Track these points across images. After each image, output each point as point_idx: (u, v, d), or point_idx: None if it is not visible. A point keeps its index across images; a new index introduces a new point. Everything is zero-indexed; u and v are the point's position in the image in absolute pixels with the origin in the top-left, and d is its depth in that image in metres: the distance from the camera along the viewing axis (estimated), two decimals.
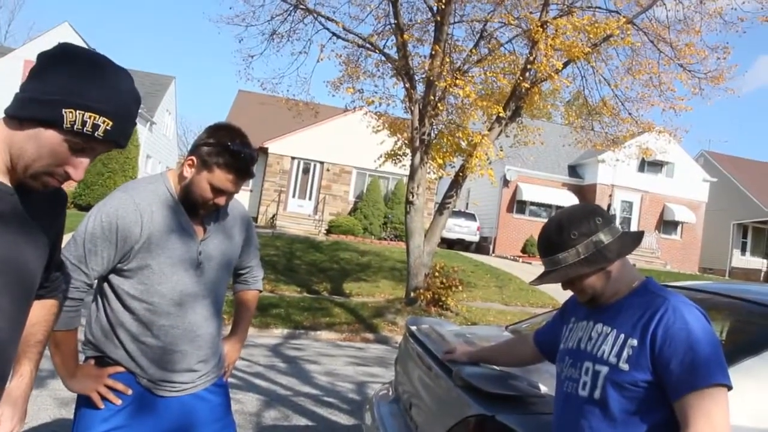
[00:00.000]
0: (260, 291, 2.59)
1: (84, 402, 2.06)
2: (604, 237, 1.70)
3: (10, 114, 1.22)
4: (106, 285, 2.06)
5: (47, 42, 24.80)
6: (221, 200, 2.04)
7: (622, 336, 1.66)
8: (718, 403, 1.53)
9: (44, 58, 1.24)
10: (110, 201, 2.00)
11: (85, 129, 1.21)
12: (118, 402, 2.02)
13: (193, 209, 2.06)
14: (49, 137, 1.21)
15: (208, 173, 1.99)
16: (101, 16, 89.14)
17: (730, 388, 1.55)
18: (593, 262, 1.69)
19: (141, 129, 25.72)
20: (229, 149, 1.96)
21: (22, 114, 1.21)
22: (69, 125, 1.20)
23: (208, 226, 2.15)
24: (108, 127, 1.24)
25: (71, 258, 1.93)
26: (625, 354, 1.63)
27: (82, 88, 1.21)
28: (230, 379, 5.59)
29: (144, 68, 46.49)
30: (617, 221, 26.67)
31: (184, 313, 2.09)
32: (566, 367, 1.81)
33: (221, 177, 1.99)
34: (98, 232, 1.94)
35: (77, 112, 1.20)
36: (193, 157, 2.01)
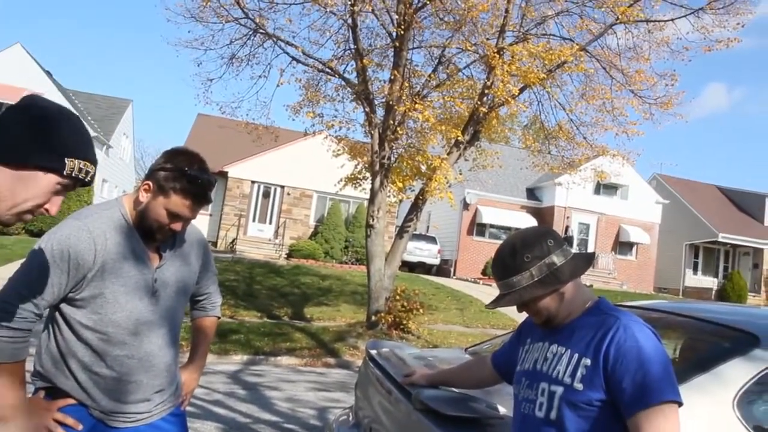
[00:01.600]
0: (219, 317, 2.55)
1: None
2: (556, 259, 1.73)
3: (5, 158, 1.33)
4: (57, 314, 1.99)
5: None
6: (177, 226, 2.00)
7: (576, 356, 1.67)
8: (669, 420, 1.55)
9: (33, 112, 1.41)
10: (62, 228, 1.94)
11: (80, 175, 1.43)
12: None
13: (149, 235, 2.02)
14: (48, 181, 1.38)
15: (165, 198, 1.96)
16: (54, 37, 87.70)
17: (680, 404, 1.57)
18: (547, 284, 1.71)
19: (97, 153, 25.12)
20: (187, 174, 1.94)
21: (27, 160, 1.35)
22: (69, 171, 1.40)
23: (163, 253, 2.11)
24: (93, 172, 1.48)
25: (19, 288, 1.86)
26: (579, 374, 1.64)
27: (77, 141, 1.45)
28: (188, 408, 5.47)
29: (101, 91, 45.87)
30: (575, 243, 27.16)
31: (140, 342, 2.04)
32: (523, 389, 1.82)
33: (178, 202, 1.96)
34: (49, 260, 1.88)
35: (76, 161, 1.41)
36: (150, 182, 1.98)
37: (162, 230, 2.00)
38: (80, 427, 1.96)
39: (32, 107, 1.42)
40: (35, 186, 1.37)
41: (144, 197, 1.99)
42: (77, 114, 1.53)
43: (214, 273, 2.45)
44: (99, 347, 1.97)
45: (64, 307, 1.97)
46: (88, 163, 1.45)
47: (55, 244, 1.90)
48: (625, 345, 1.59)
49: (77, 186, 1.47)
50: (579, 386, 1.63)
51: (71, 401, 1.99)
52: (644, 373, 1.56)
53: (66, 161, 1.39)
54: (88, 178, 1.46)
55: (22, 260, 1.96)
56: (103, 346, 1.97)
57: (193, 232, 2.27)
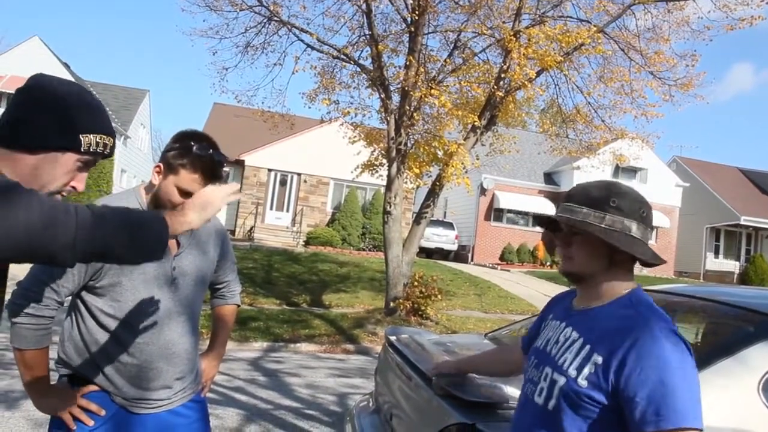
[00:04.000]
0: (238, 305, 2.57)
1: (56, 424, 2.01)
2: (635, 228, 1.55)
3: (23, 144, 1.34)
4: (79, 302, 2.02)
5: (17, 56, 24.50)
6: None
7: (588, 347, 1.50)
8: None
9: (25, 90, 1.40)
10: None
11: (98, 149, 1.43)
12: (91, 423, 1.98)
13: None
14: (67, 159, 1.39)
15: (174, 176, 1.98)
16: (72, 30, 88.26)
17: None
18: (609, 236, 1.52)
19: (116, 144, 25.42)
20: (192, 149, 1.96)
21: (46, 144, 1.36)
22: (86, 148, 1.40)
23: (181, 241, 2.12)
24: (112, 144, 1.48)
25: (41, 275, 1.90)
26: (586, 370, 1.47)
27: (88, 116, 1.42)
28: (209, 395, 5.54)
29: (118, 82, 46.20)
30: None
31: (160, 330, 2.06)
32: (530, 368, 1.68)
33: (186, 178, 1.97)
34: None
35: (91, 136, 1.41)
36: (160, 164, 2.02)
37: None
38: (103, 412, 1.99)
39: (37, 88, 1.40)
40: (57, 167, 1.39)
41: (156, 179, 2.03)
42: (87, 89, 1.53)
43: (232, 261, 2.46)
44: (120, 335, 2.00)
45: (85, 295, 2.00)
46: (105, 136, 1.45)
47: None
48: (649, 356, 1.39)
49: (99, 159, 1.48)
50: (583, 383, 1.46)
51: (94, 388, 2.02)
52: (665, 391, 1.36)
53: (81, 138, 1.39)
54: (107, 151, 1.47)
55: None
56: (123, 333, 2.00)
57: (211, 221, 2.25)
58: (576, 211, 1.57)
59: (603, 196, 1.56)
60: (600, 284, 1.58)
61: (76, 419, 1.98)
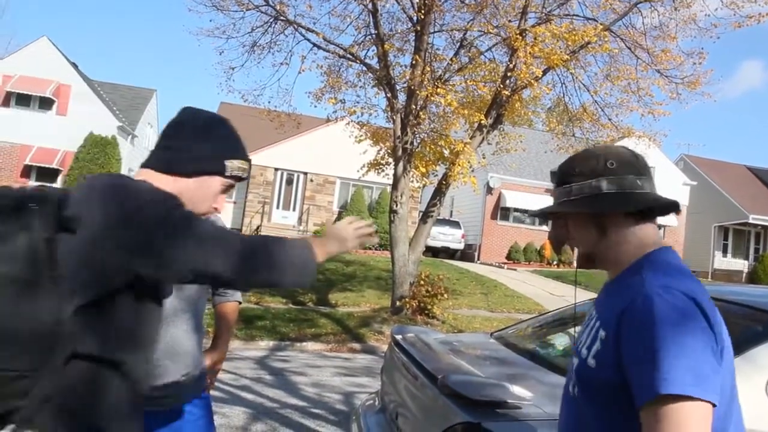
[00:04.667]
0: (240, 303, 2.59)
1: None
2: (605, 184, 1.41)
3: (181, 171, 1.54)
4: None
5: (26, 56, 24.61)
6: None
7: (598, 324, 1.37)
8: (667, 422, 1.13)
9: (181, 122, 1.59)
10: None
11: (239, 173, 1.61)
12: None
13: None
14: (215, 183, 1.58)
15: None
16: (80, 30, 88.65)
17: (694, 399, 1.13)
18: (577, 206, 1.43)
19: (122, 142, 25.53)
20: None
21: (201, 169, 1.55)
22: (230, 172, 1.58)
23: None
24: (248, 168, 1.63)
25: None
26: (594, 348, 1.33)
27: (232, 144, 1.61)
28: (216, 393, 5.52)
29: (125, 81, 46.36)
30: None
31: (165, 329, 2.06)
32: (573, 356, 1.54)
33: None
34: None
35: (233, 162, 1.58)
36: None
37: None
38: None
39: (190, 120, 1.59)
40: (207, 190, 1.58)
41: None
42: (226, 119, 1.68)
43: None
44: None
45: None
46: (244, 161, 1.62)
47: None
48: (635, 317, 1.23)
49: (236, 183, 1.65)
50: (592, 362, 1.32)
51: None
52: (646, 357, 1.17)
53: (226, 163, 1.57)
54: (245, 175, 1.63)
55: None
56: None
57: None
58: (554, 199, 1.52)
59: (566, 170, 1.48)
60: (608, 257, 1.45)
61: None
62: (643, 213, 1.45)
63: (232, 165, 1.58)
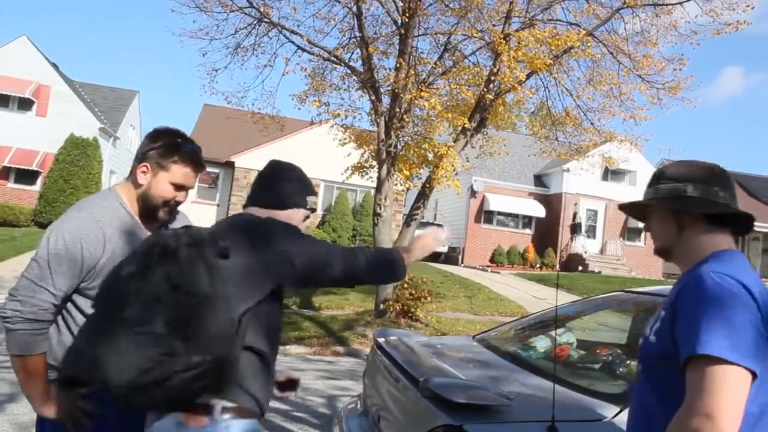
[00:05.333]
0: None
1: (45, 426, 2.03)
2: (691, 189, 1.61)
3: (279, 206, 2.09)
4: (70, 306, 2.03)
5: (4, 55, 24.28)
6: (182, 196, 2.17)
7: (662, 311, 1.54)
8: (709, 380, 1.29)
9: (273, 172, 2.19)
10: (70, 220, 2.01)
11: (313, 206, 2.19)
12: (91, 424, 2.00)
13: (153, 214, 2.14)
14: (300, 214, 2.14)
15: (166, 173, 2.11)
16: (60, 29, 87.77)
17: (743, 368, 1.29)
18: (659, 201, 1.65)
19: (104, 144, 25.28)
20: (180, 146, 2.13)
21: (294, 203, 2.13)
22: (309, 205, 2.16)
23: None
24: (316, 202, 2.25)
25: (35, 280, 1.92)
26: (656, 326, 1.52)
27: (308, 185, 2.19)
28: None
29: (107, 83, 45.90)
30: (583, 229, 27.03)
31: None
32: None
33: (179, 173, 2.12)
34: (63, 252, 1.94)
35: (310, 198, 2.18)
36: (146, 164, 2.11)
37: (167, 205, 2.15)
38: (103, 411, 1.99)
39: (279, 170, 2.18)
40: (297, 219, 2.11)
41: (144, 179, 2.11)
42: (298, 167, 2.27)
43: None
44: None
45: (76, 298, 2.02)
46: (314, 198, 2.21)
47: (67, 235, 1.96)
48: (687, 294, 1.44)
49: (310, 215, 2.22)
50: (653, 339, 1.51)
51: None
52: (691, 323, 1.36)
53: (307, 199, 2.16)
54: (315, 207, 2.24)
55: (32, 252, 2.00)
56: None
57: (184, 220, 2.37)
58: (644, 196, 1.72)
59: (659, 174, 1.69)
60: (682, 253, 1.65)
61: (74, 422, 2.01)
62: (720, 221, 1.62)
63: (310, 199, 2.17)
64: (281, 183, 2.13)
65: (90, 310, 1.96)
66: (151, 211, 2.14)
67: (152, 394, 1.62)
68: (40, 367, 1.96)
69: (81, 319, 2.00)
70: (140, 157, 2.13)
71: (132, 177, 2.14)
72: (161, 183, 2.10)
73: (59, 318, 2.05)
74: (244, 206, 2.12)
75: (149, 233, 2.10)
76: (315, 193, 2.22)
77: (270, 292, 1.84)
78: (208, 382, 1.68)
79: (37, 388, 1.97)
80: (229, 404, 1.79)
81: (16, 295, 1.91)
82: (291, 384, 2.28)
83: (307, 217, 2.18)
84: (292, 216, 2.09)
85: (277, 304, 1.94)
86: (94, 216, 2.02)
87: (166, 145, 2.12)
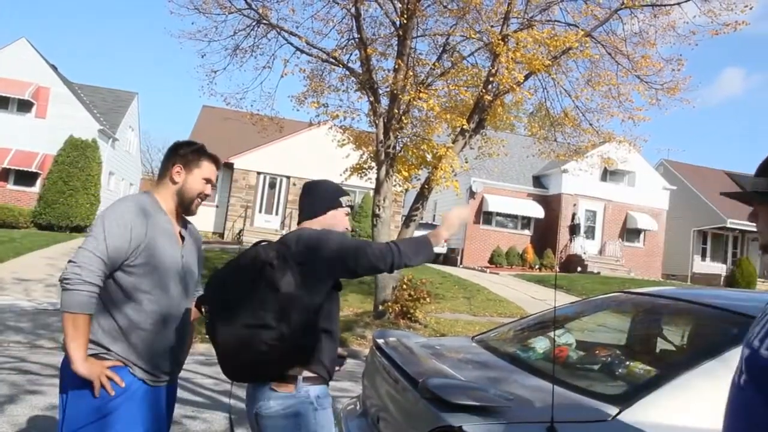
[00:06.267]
0: None
1: (76, 390, 2.27)
2: None
3: (319, 213, 2.59)
4: (112, 282, 2.34)
5: (4, 57, 24.28)
6: (209, 189, 2.60)
7: None
8: None
9: (305, 190, 2.69)
10: (120, 206, 2.38)
11: (349, 203, 2.67)
12: (113, 393, 2.27)
13: (188, 207, 2.56)
14: (341, 213, 2.62)
15: (199, 169, 2.55)
16: (59, 31, 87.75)
17: None
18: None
19: (103, 146, 25.25)
20: (205, 149, 2.61)
21: (328, 207, 2.60)
22: (345, 203, 2.64)
23: (185, 235, 2.58)
24: (353, 199, 2.82)
25: (94, 251, 2.25)
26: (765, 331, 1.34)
27: (338, 189, 2.67)
28: (197, 398, 5.50)
29: (106, 84, 45.83)
30: (582, 230, 27.03)
31: (176, 306, 2.47)
32: None
33: (209, 169, 2.59)
34: (116, 231, 2.29)
35: (342, 198, 2.64)
36: (179, 165, 2.53)
37: (200, 197, 2.57)
38: (123, 384, 2.31)
39: (315, 185, 2.68)
40: (339, 219, 2.60)
41: (180, 177, 2.53)
42: (326, 179, 2.78)
43: (203, 266, 2.83)
44: (148, 307, 2.37)
45: (118, 275, 2.34)
46: (348, 197, 2.68)
47: (120, 219, 2.33)
48: None
49: (351, 208, 2.72)
50: (765, 353, 1.31)
51: (118, 363, 2.33)
52: None
53: (339, 200, 2.62)
54: (353, 203, 2.82)
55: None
56: (152, 306, 2.38)
57: (193, 226, 2.75)
58: (750, 185, 1.53)
59: (765, 165, 1.50)
60: None
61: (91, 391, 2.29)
62: None
63: (343, 199, 2.63)
64: (312, 196, 2.62)
65: (133, 285, 2.35)
66: (189, 204, 2.56)
67: (261, 369, 2.30)
68: (86, 326, 2.24)
69: (122, 296, 2.34)
70: (171, 162, 2.55)
71: (168, 177, 2.54)
72: (195, 178, 2.54)
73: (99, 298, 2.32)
74: (298, 223, 2.63)
75: (177, 227, 2.55)
76: (346, 193, 2.67)
77: (333, 285, 2.41)
78: (300, 357, 2.29)
79: (79, 345, 2.22)
80: (308, 374, 2.34)
81: (76, 261, 2.22)
82: (341, 358, 2.71)
83: (348, 213, 2.66)
84: (334, 217, 2.59)
85: (336, 293, 2.46)
86: (139, 206, 2.40)
87: (194, 150, 2.58)
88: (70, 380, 2.26)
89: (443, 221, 2.47)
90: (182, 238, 2.56)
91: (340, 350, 2.63)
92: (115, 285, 2.34)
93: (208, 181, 2.57)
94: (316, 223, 2.54)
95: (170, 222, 2.51)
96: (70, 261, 2.25)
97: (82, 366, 2.22)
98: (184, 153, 2.55)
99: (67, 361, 2.24)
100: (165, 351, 2.44)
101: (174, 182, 2.53)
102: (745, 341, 1.45)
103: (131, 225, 2.32)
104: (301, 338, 2.25)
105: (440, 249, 26.28)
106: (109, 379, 2.27)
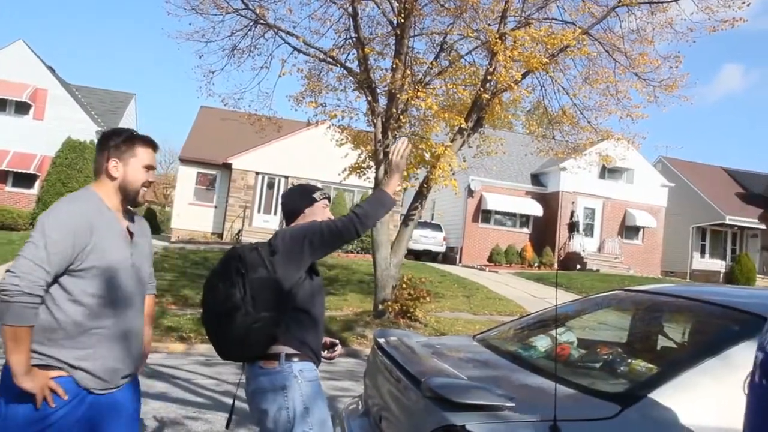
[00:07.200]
0: (156, 296, 2.82)
1: (13, 401, 2.15)
2: None
3: (300, 210, 2.89)
4: (58, 288, 2.20)
5: (1, 59, 24.24)
6: (152, 176, 2.46)
7: None
8: None
9: (283, 196, 3.00)
10: (61, 209, 2.26)
11: (324, 196, 2.93)
12: (54, 405, 2.16)
13: (134, 199, 2.43)
14: (318, 207, 2.88)
15: (136, 158, 2.40)
16: (57, 33, 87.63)
17: None
18: None
19: None
20: (136, 135, 2.46)
21: (309, 204, 2.88)
22: (318, 197, 2.90)
23: (134, 231, 2.45)
24: (328, 193, 3.01)
25: (33, 259, 2.12)
26: None
27: (312, 188, 2.96)
28: (198, 399, 5.50)
29: (104, 85, 45.75)
30: (581, 227, 27.04)
31: (128, 307, 2.36)
32: None
33: (146, 154, 2.43)
34: (57, 237, 2.15)
35: (315, 194, 2.91)
36: (114, 158, 2.39)
37: (144, 186, 2.43)
38: (66, 397, 2.19)
39: (285, 192, 2.99)
40: (318, 213, 2.86)
41: (118, 171, 2.39)
42: (302, 184, 3.09)
43: (152, 255, 2.73)
44: (99, 311, 2.25)
45: (64, 279, 2.21)
46: (323, 192, 2.95)
47: (60, 221, 2.20)
48: None
49: (328, 199, 2.95)
50: None
51: (62, 373, 2.20)
52: None
53: (312, 196, 2.89)
54: (328, 195, 2.99)
55: (29, 238, 2.18)
56: (103, 309, 2.26)
57: (140, 219, 2.61)
58: None
59: None
60: None
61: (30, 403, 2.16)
62: None
63: (315, 195, 2.89)
64: (289, 200, 2.92)
65: (82, 290, 2.21)
66: (134, 196, 2.42)
67: (242, 347, 2.57)
68: (27, 339, 2.12)
69: (66, 301, 2.20)
70: (104, 157, 2.40)
71: (105, 174, 2.39)
72: (134, 169, 2.39)
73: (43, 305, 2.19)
74: (287, 223, 2.91)
75: (124, 222, 2.41)
76: (318, 188, 2.93)
77: (308, 269, 2.69)
78: (273, 332, 2.55)
79: (21, 359, 2.11)
80: (290, 351, 2.61)
81: (15, 271, 2.09)
82: (333, 346, 2.99)
83: (326, 205, 2.89)
84: (313, 212, 2.85)
85: (315, 278, 2.76)
86: (82, 208, 2.27)
87: (125, 138, 2.42)
88: (9, 391, 2.16)
89: (389, 167, 2.80)
90: (131, 234, 2.43)
91: (330, 339, 2.98)
92: (61, 290, 2.21)
93: (148, 167, 2.43)
94: (302, 218, 2.84)
95: (116, 219, 2.37)
96: (8, 271, 2.11)
97: (24, 380, 2.12)
98: (116, 144, 2.40)
99: (7, 371, 2.13)
100: (119, 354, 2.33)
101: (112, 178, 2.38)
102: (758, 345, 1.48)
103: (74, 228, 2.19)
104: (270, 317, 2.54)
105: (439, 248, 26.30)
106: (52, 391, 2.17)
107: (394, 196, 2.77)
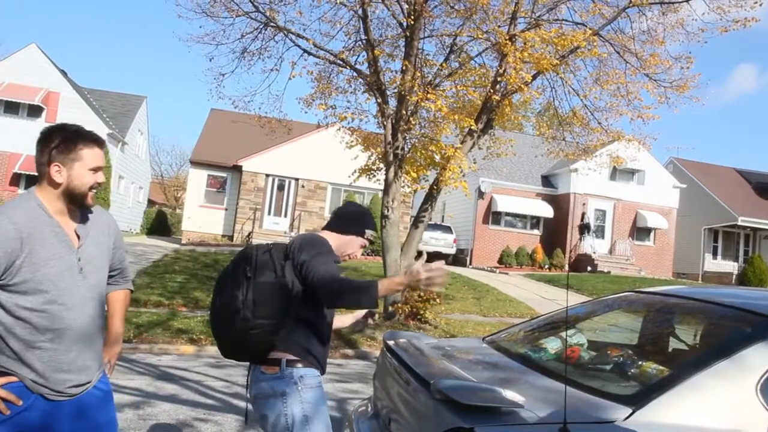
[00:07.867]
0: (132, 290, 2.75)
1: None
2: None
3: (343, 231, 2.88)
4: None
5: (15, 63, 24.52)
6: (101, 176, 2.27)
7: None
8: None
9: (345, 207, 3.05)
10: None
11: (371, 237, 2.93)
12: (7, 412, 2.09)
13: (82, 203, 2.26)
14: (358, 241, 2.90)
15: (80, 162, 2.20)
16: (69, 37, 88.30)
17: None
18: None
19: (112, 150, 25.41)
20: (77, 132, 2.23)
21: (352, 231, 2.89)
22: (367, 236, 2.92)
23: (81, 233, 2.29)
24: (375, 236, 3.01)
25: None
26: None
27: (369, 221, 2.94)
28: (208, 401, 5.53)
29: (115, 88, 46.09)
30: (592, 229, 26.93)
31: (76, 316, 2.22)
32: None
33: (90, 155, 2.22)
34: None
35: (368, 231, 2.91)
36: (56, 163, 2.18)
37: (92, 189, 2.25)
38: (20, 403, 2.12)
39: (347, 207, 3.03)
40: (353, 245, 2.90)
41: (61, 176, 2.19)
42: (366, 209, 3.06)
43: (124, 249, 2.65)
44: (38, 324, 2.14)
45: None
46: (374, 232, 2.94)
47: None
48: None
49: (369, 245, 2.95)
50: None
51: (13, 379, 2.13)
52: None
53: (365, 230, 2.89)
54: (373, 239, 2.95)
55: None
56: (42, 323, 2.14)
57: (102, 215, 2.48)
58: None
59: None
60: None
61: None
62: None
63: (368, 232, 2.90)
64: (346, 215, 2.92)
65: (16, 303, 2.10)
66: (81, 199, 2.24)
67: (241, 350, 2.62)
68: None
69: (4, 314, 2.10)
70: (46, 161, 2.19)
71: (46, 180, 2.20)
72: (80, 173, 2.20)
73: None
74: (322, 229, 2.91)
75: (67, 229, 2.24)
76: (374, 228, 2.94)
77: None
78: (272, 339, 2.55)
79: None
80: (292, 357, 2.60)
81: None
82: (365, 318, 3.26)
83: (364, 246, 2.92)
84: (351, 241, 2.87)
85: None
86: (10, 218, 2.10)
87: (65, 139, 2.19)
88: None
89: (408, 270, 2.50)
90: (78, 236, 2.27)
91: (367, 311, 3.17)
92: None
93: (95, 169, 2.23)
94: (333, 237, 2.82)
95: (58, 225, 2.20)
96: None
97: None
98: (57, 146, 2.17)
99: None
100: (71, 364, 2.22)
101: (56, 184, 2.20)
102: None
103: (1, 243, 2.05)
104: (268, 325, 2.53)
105: (450, 249, 26.25)
106: (4, 399, 2.10)
107: (383, 292, 2.51)
